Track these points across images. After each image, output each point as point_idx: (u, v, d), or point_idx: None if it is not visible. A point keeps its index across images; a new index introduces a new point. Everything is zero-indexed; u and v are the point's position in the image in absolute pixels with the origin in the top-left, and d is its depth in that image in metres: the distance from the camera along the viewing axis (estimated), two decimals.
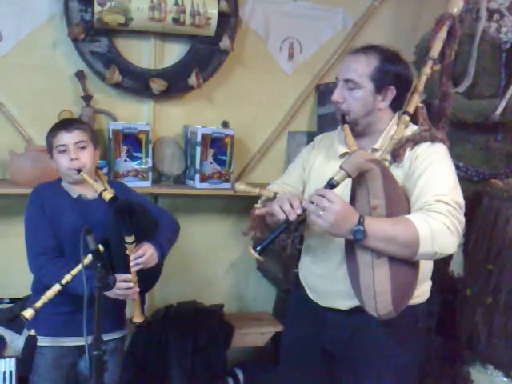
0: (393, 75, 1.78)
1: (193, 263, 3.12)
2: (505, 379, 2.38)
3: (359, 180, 1.65)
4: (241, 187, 1.98)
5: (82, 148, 2.04)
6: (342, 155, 1.85)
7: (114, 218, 1.87)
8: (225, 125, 2.98)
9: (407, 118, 1.86)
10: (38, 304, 1.81)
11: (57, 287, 1.83)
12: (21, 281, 2.70)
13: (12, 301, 2.69)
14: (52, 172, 2.56)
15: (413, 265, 1.68)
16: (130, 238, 1.91)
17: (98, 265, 1.62)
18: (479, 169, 2.68)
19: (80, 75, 2.81)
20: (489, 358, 2.43)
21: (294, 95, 3.18)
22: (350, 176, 1.62)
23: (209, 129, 2.84)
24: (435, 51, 2.02)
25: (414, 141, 1.78)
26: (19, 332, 2.49)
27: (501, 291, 2.39)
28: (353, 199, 1.69)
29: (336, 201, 1.58)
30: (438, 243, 1.61)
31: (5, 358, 2.37)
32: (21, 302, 2.65)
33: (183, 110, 3.02)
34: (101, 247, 1.82)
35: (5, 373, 2.32)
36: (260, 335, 2.89)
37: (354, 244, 1.66)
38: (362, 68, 1.78)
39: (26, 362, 1.90)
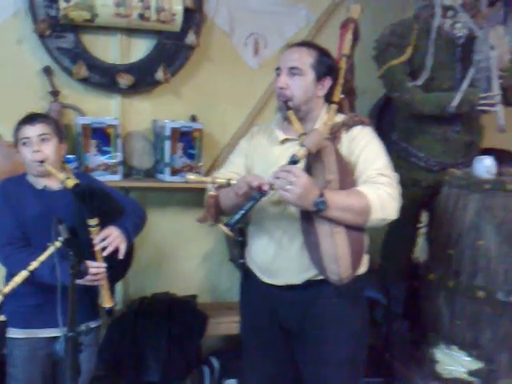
0: (329, 67, 1.99)
1: (166, 255, 3.15)
2: (467, 358, 2.49)
3: (315, 157, 1.80)
4: (192, 177, 2.05)
5: (45, 140, 2.07)
6: (283, 141, 1.99)
7: (76, 201, 1.90)
8: (193, 119, 3.03)
9: (335, 106, 2.04)
10: (6, 289, 1.81)
11: (24, 273, 1.84)
12: None
13: None
14: (22, 167, 2.57)
15: (362, 233, 1.88)
16: (92, 221, 1.92)
17: (71, 253, 1.64)
18: (438, 159, 2.78)
19: (47, 71, 2.81)
20: (452, 338, 2.54)
21: (260, 89, 3.23)
22: (310, 152, 1.76)
23: (178, 123, 2.88)
24: (347, 49, 2.31)
25: (348, 125, 1.97)
26: None
27: (461, 275, 2.50)
28: (309, 174, 1.79)
29: (301, 175, 1.71)
30: (386, 209, 1.81)
31: None
32: None
33: (151, 104, 3.04)
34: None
35: None
36: (234, 323, 2.91)
37: (313, 217, 1.78)
38: (305, 58, 1.95)
39: None
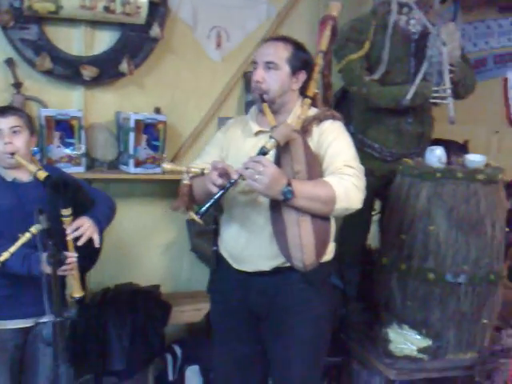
0: (304, 61, 2.07)
1: (128, 246, 3.20)
2: (418, 336, 2.62)
3: (284, 148, 1.88)
4: (168, 166, 2.14)
5: (17, 133, 2.10)
6: (257, 133, 2.08)
7: (50, 192, 1.93)
8: (157, 111, 3.08)
9: (309, 100, 2.12)
10: None
11: None
12: None
13: None
14: None
15: (328, 221, 1.98)
16: (66, 211, 1.95)
17: (50, 243, 1.69)
18: (392, 149, 2.89)
19: (10, 62, 2.82)
20: (404, 318, 2.66)
21: (222, 82, 3.30)
22: (279, 144, 1.84)
23: (142, 115, 2.93)
24: (324, 45, 2.35)
25: (319, 119, 2.06)
26: None
27: (413, 258, 2.63)
28: (278, 165, 1.89)
29: (270, 165, 1.80)
30: (350, 199, 1.91)
31: None
32: None
33: (114, 96, 3.08)
34: (38, 226, 1.90)
35: None
36: (196, 311, 3.04)
37: (281, 206, 1.88)
38: (281, 52, 2.03)
39: None
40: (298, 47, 2.06)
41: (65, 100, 2.96)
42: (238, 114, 3.37)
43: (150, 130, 2.94)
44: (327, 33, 2.41)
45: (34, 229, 1.91)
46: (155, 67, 3.13)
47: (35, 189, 2.06)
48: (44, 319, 2.11)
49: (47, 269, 1.95)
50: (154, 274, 3.26)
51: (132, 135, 2.90)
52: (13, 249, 1.89)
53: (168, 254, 3.35)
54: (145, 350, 2.76)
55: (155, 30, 2.98)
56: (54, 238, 1.78)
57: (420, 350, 2.60)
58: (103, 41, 3.00)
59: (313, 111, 2.10)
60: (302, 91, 2.12)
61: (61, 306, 1.66)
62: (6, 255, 1.89)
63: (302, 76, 2.07)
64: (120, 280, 3.09)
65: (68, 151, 2.82)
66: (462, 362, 2.64)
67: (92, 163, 2.98)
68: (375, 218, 3.15)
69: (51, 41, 2.86)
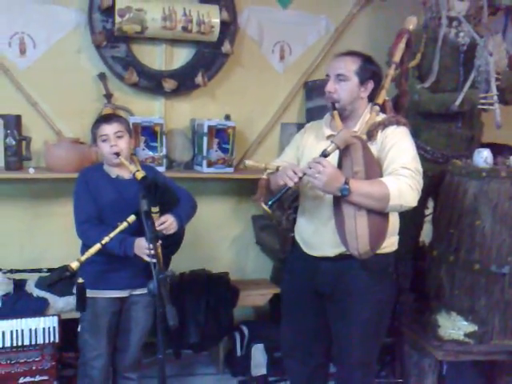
0: (371, 72, 2.30)
1: (200, 238, 3.56)
2: (465, 322, 2.84)
3: (345, 151, 2.16)
4: (250, 163, 2.46)
5: (120, 137, 2.45)
6: (328, 136, 2.34)
7: (143, 192, 2.27)
8: (227, 118, 3.44)
9: (377, 107, 2.35)
10: (83, 258, 2.18)
11: (98, 246, 2.21)
12: (55, 253, 3.20)
13: (49, 270, 3.12)
14: (81, 159, 3.04)
15: (384, 217, 2.19)
16: (154, 209, 2.30)
17: (149, 222, 2.06)
18: (443, 151, 3.13)
19: (102, 77, 3.24)
20: (452, 306, 2.89)
21: (285, 91, 3.64)
22: (338, 148, 2.13)
23: (214, 121, 3.29)
24: (397, 57, 2.50)
25: (384, 124, 2.27)
26: (59, 295, 2.95)
27: (460, 250, 2.85)
28: (340, 166, 2.18)
29: (328, 165, 2.09)
30: (403, 198, 2.12)
31: (49, 315, 2.86)
32: (56, 270, 3.09)
33: (190, 105, 3.47)
34: (133, 217, 2.28)
35: (49, 328, 2.81)
36: (261, 296, 3.38)
37: (341, 201, 2.15)
38: (350, 65, 2.27)
39: (80, 302, 2.29)
40: (366, 59, 2.29)
41: (148, 109, 3.37)
42: (298, 120, 3.71)
43: (221, 135, 3.31)
44: (401, 45, 2.51)
45: (130, 219, 2.28)
46: (226, 79, 3.50)
47: (134, 185, 2.40)
48: (137, 291, 2.50)
49: (143, 255, 2.31)
50: (223, 263, 3.62)
51: (205, 139, 3.27)
52: (112, 234, 2.25)
53: (235, 245, 3.71)
54: (217, 328, 3.13)
55: (226, 47, 3.35)
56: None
57: (467, 335, 2.82)
58: (181, 57, 3.39)
59: (380, 117, 2.30)
60: (372, 98, 2.34)
61: (163, 266, 1.99)
62: (106, 239, 2.24)
63: (370, 85, 2.28)
64: (194, 266, 3.46)
65: (151, 153, 3.21)
66: (506, 347, 2.84)
67: (171, 164, 3.37)
68: (429, 217, 3.36)
69: (137, 57, 3.27)
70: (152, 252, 1.98)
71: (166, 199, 2.40)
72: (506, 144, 3.54)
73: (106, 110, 3.20)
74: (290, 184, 2.15)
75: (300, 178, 2.15)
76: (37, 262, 3.18)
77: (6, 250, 3.21)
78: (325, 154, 2.13)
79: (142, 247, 2.29)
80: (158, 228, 2.33)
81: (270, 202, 2.16)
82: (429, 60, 3.12)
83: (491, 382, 3.17)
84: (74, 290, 2.48)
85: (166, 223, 2.37)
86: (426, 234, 3.45)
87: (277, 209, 2.63)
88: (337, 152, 2.18)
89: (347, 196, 2.10)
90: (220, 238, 3.67)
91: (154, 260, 1.96)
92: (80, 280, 2.29)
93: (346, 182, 2.09)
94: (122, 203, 2.42)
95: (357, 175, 2.15)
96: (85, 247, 2.43)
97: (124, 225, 2.28)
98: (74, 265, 2.17)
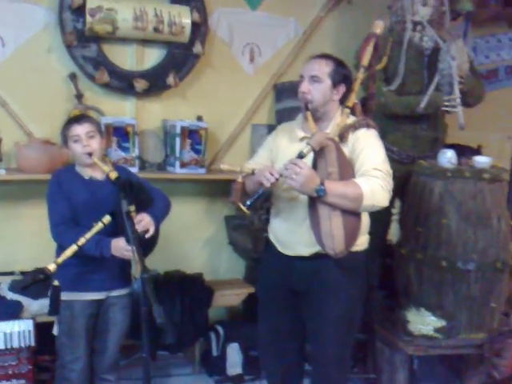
0: (343, 76, 2.37)
1: (173, 239, 3.54)
2: (433, 318, 2.95)
3: (320, 153, 2.22)
4: (225, 166, 2.48)
5: (92, 137, 2.45)
6: (302, 138, 2.39)
7: (117, 191, 2.25)
8: (199, 119, 3.46)
9: (348, 110, 2.42)
10: (59, 260, 2.13)
11: (74, 247, 2.16)
12: (27, 256, 3.16)
13: (22, 273, 3.09)
14: (52, 160, 3.01)
15: (357, 217, 2.27)
16: (131, 207, 2.25)
17: (130, 224, 2.07)
18: (409, 152, 3.23)
19: (72, 77, 3.21)
20: (420, 302, 3.00)
21: (255, 93, 3.68)
22: (314, 149, 2.18)
23: (186, 122, 3.31)
24: (365, 61, 2.56)
25: (355, 127, 2.35)
26: (33, 297, 2.92)
27: (428, 248, 2.96)
28: (314, 168, 2.23)
29: (305, 167, 2.14)
30: (376, 198, 2.21)
31: (23, 319, 2.82)
32: (30, 273, 3.05)
33: (161, 106, 3.47)
34: (108, 217, 2.28)
35: (24, 331, 2.78)
36: (235, 296, 3.42)
37: (317, 202, 2.21)
38: (323, 68, 2.34)
39: (53, 305, 2.26)
40: (338, 63, 2.35)
41: (119, 109, 3.35)
42: (268, 121, 3.76)
43: (194, 136, 3.33)
44: (369, 49, 2.57)
45: (105, 219, 2.27)
46: (196, 80, 3.52)
47: (107, 186, 2.38)
48: (114, 293, 2.50)
49: (120, 254, 2.32)
50: (196, 264, 3.64)
51: (178, 140, 3.28)
52: (88, 235, 2.21)
53: (208, 246, 3.73)
54: (192, 328, 3.15)
55: (197, 48, 3.37)
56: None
57: (435, 330, 2.93)
58: (152, 57, 3.39)
59: (351, 119, 2.38)
60: (343, 101, 2.41)
61: (145, 266, 2.00)
62: (82, 240, 2.20)
63: (342, 88, 2.35)
64: (168, 267, 3.47)
65: (124, 154, 3.20)
66: (473, 341, 2.96)
67: (143, 165, 3.37)
68: (395, 216, 3.47)
69: (108, 57, 3.25)
70: (133, 252, 1.99)
71: (140, 198, 2.40)
72: (467, 145, 3.69)
73: (75, 111, 3.16)
74: (268, 185, 2.19)
75: (277, 179, 2.20)
76: (8, 265, 3.14)
77: None
78: (301, 156, 2.18)
79: (120, 248, 2.30)
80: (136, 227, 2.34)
81: (248, 203, 2.21)
82: (394, 63, 3.21)
83: (460, 376, 3.29)
84: (49, 293, 2.48)
85: (143, 222, 2.37)
86: (393, 233, 3.56)
87: (239, 211, 2.66)
88: (311, 154, 2.24)
89: (323, 197, 2.16)
90: (193, 239, 3.68)
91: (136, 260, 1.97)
92: (55, 283, 2.27)
93: (322, 183, 2.15)
94: (96, 204, 2.41)
95: (331, 176, 2.21)
96: (60, 249, 2.41)
97: (99, 225, 2.26)
98: (51, 267, 2.12)
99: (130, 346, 3.12)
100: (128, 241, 2.15)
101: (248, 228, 3.47)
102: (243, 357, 3.34)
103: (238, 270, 3.79)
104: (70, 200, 2.43)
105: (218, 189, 3.57)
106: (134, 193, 2.30)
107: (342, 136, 2.33)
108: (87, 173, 2.50)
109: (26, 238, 3.21)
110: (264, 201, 2.67)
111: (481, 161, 2.99)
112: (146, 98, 3.41)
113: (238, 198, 2.44)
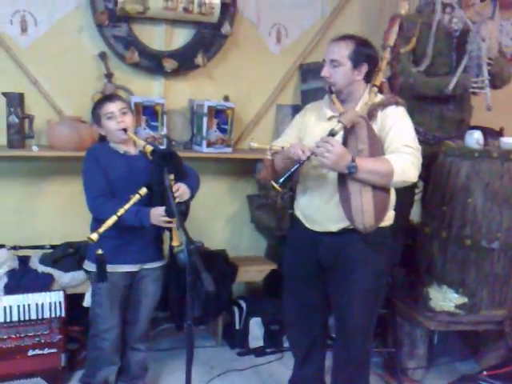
0: (365, 55, 2.37)
1: (197, 217, 3.60)
2: (455, 295, 3.01)
3: (350, 130, 2.26)
4: (255, 145, 2.52)
5: (124, 113, 2.53)
6: (330, 118, 2.43)
7: (157, 162, 2.33)
8: (226, 99, 3.51)
9: (375, 88, 2.45)
10: (101, 229, 2.19)
11: (114, 218, 2.24)
12: (56, 230, 3.26)
13: (52, 247, 3.18)
14: (82, 138, 3.09)
15: (387, 192, 2.32)
16: (170, 177, 2.36)
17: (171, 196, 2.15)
18: (435, 133, 3.24)
19: (103, 56, 3.26)
20: (443, 279, 3.05)
21: (281, 73, 3.71)
22: (345, 127, 2.22)
23: (213, 102, 3.36)
24: (391, 40, 2.58)
25: (383, 104, 2.38)
26: (64, 270, 3.01)
27: (453, 227, 3.00)
28: (345, 145, 2.27)
29: (337, 144, 2.19)
30: (406, 174, 2.25)
31: (54, 291, 2.92)
32: (60, 247, 3.15)
33: (188, 85, 3.51)
34: (145, 189, 2.35)
35: (55, 302, 2.87)
36: (259, 272, 3.49)
37: (347, 178, 2.25)
38: (343, 51, 2.34)
39: (100, 272, 2.36)
40: (360, 43, 2.35)
41: (147, 89, 3.41)
42: (293, 101, 3.79)
43: (220, 115, 3.37)
44: (395, 29, 2.62)
45: (142, 191, 2.35)
46: (223, 60, 3.56)
47: (141, 160, 2.51)
48: (148, 265, 2.58)
49: (159, 222, 2.39)
50: (218, 240, 3.71)
51: (205, 120, 3.33)
52: (127, 206, 2.30)
53: (231, 223, 3.80)
54: (216, 302, 3.22)
55: (226, 28, 3.40)
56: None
57: (457, 306, 2.98)
58: (181, 37, 3.43)
59: (379, 98, 2.41)
60: (369, 80, 2.44)
61: (190, 237, 2.06)
62: (121, 211, 2.28)
63: (364, 68, 2.35)
64: None
65: (152, 133, 3.26)
66: (493, 317, 3.01)
67: (170, 143, 3.41)
68: (417, 197, 3.50)
69: (138, 37, 3.30)
70: (174, 223, 2.04)
71: (178, 169, 2.47)
72: (490, 127, 3.70)
73: (97, 95, 3.18)
74: (301, 160, 2.23)
75: (308, 157, 2.24)
76: (38, 239, 3.23)
77: (7, 226, 3.23)
78: (332, 134, 2.22)
79: (159, 216, 2.37)
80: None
81: (280, 180, 2.23)
82: (423, 44, 3.21)
83: (476, 352, 3.36)
84: (85, 265, 2.57)
85: (180, 190, 2.43)
86: (414, 213, 3.60)
87: (271, 188, 2.72)
88: (341, 132, 2.27)
89: (354, 173, 2.20)
90: (216, 217, 3.74)
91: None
92: (99, 251, 2.34)
93: (353, 160, 2.19)
94: (132, 177, 2.49)
95: (361, 153, 2.25)
96: (96, 223, 2.48)
97: (136, 197, 2.34)
98: (94, 236, 2.16)
99: (156, 318, 3.22)
100: (170, 211, 2.22)
101: (271, 206, 3.53)
102: (264, 330, 3.43)
103: (260, 248, 3.85)
104: (107, 174, 2.50)
105: (241, 168, 3.63)
106: (174, 163, 2.38)
107: (371, 114, 2.36)
108: (122, 148, 2.57)
109: (55, 213, 3.30)
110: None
111: (508, 142, 3.01)
112: (174, 77, 3.45)
113: (270, 176, 2.48)
